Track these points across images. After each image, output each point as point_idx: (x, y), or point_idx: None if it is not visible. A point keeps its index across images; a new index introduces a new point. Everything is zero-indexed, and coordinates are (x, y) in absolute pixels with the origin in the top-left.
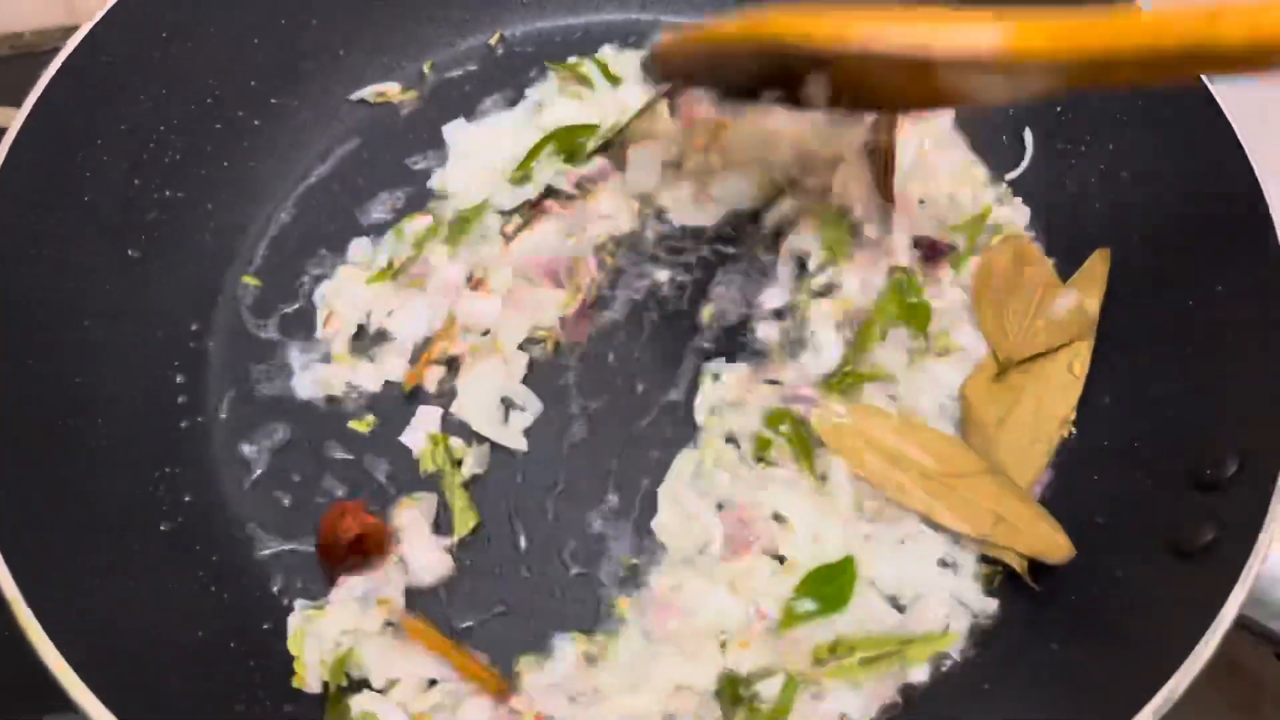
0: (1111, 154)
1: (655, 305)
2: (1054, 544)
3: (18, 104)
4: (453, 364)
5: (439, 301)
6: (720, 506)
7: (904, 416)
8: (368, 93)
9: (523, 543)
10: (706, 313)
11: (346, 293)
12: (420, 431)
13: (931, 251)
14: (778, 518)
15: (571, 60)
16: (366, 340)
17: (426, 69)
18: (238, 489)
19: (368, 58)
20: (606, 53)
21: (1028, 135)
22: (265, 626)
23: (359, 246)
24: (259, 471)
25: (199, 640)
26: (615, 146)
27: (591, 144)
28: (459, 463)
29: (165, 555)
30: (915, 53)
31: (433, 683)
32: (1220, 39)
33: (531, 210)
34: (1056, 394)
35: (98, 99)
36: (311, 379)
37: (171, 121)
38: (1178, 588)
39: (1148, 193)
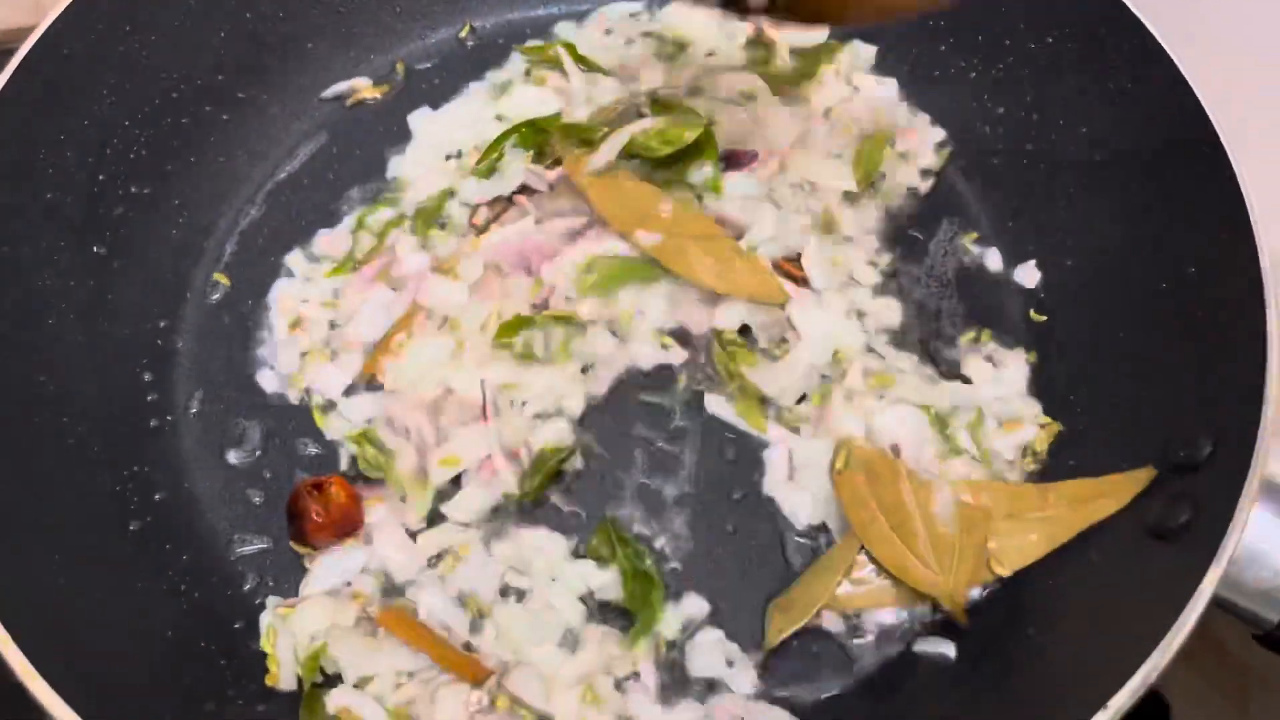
0: (1083, 136)
1: None
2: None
3: None
4: None
5: (401, 296)
6: None
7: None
8: (341, 89)
9: None
10: None
11: (305, 290)
12: (339, 425)
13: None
14: None
15: (539, 43)
16: (327, 337)
17: (399, 68)
18: (208, 487)
19: (335, 50)
20: (566, 30)
21: None
22: (237, 625)
23: (324, 239)
24: (230, 469)
25: (168, 640)
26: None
27: (561, 143)
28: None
29: (135, 555)
30: None
31: (410, 674)
32: None
33: (504, 204)
34: None
35: (59, 94)
36: (278, 377)
37: (136, 117)
38: (1154, 569)
39: (1120, 173)
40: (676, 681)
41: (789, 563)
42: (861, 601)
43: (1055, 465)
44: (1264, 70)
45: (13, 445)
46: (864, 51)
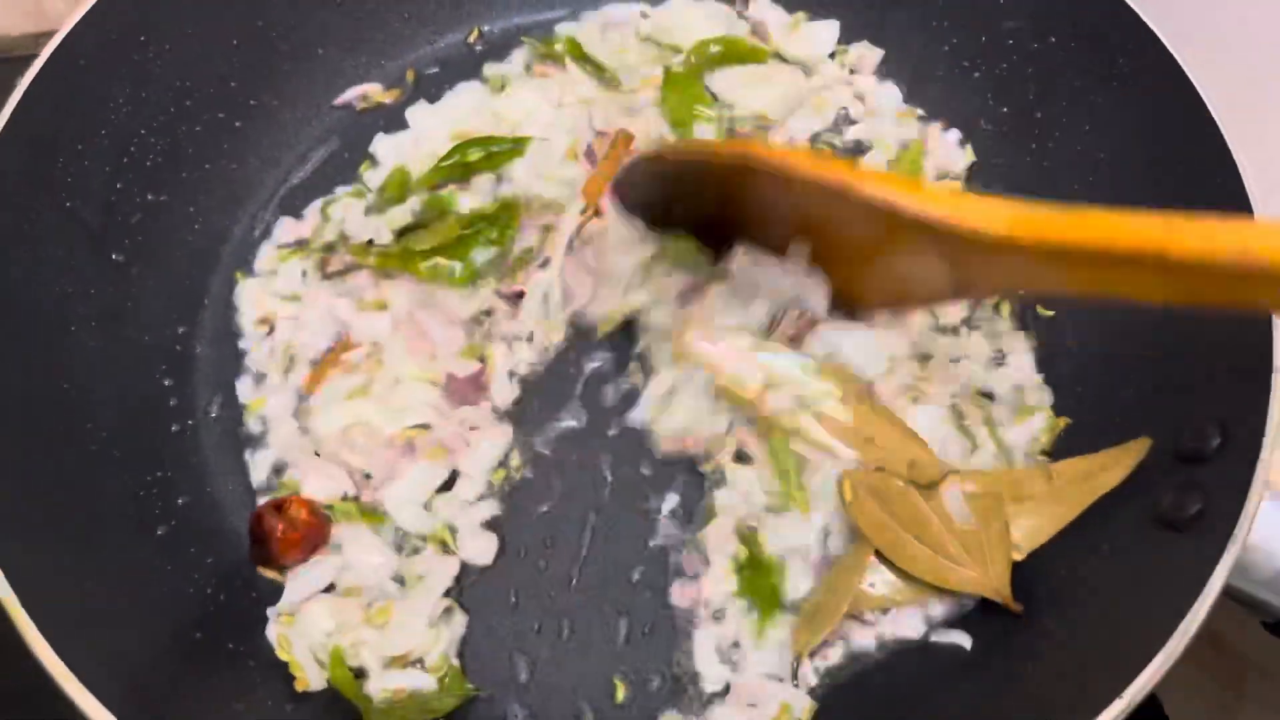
0: (1086, 135)
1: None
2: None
3: None
4: None
5: (345, 307)
6: None
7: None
8: (351, 96)
9: None
10: None
11: (268, 287)
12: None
13: None
14: None
15: (546, 37)
16: (288, 343)
17: (409, 75)
18: (230, 491)
19: (345, 56)
20: (569, 29)
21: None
22: (260, 628)
23: (287, 226)
24: (251, 472)
25: (197, 641)
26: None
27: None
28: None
29: (161, 558)
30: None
31: None
32: (1172, 247)
33: None
34: None
35: (75, 104)
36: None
37: (151, 125)
38: (1166, 559)
39: (1124, 171)
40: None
41: None
42: (881, 602)
43: (1063, 458)
44: (1268, 69)
45: (36, 451)
46: (870, 55)
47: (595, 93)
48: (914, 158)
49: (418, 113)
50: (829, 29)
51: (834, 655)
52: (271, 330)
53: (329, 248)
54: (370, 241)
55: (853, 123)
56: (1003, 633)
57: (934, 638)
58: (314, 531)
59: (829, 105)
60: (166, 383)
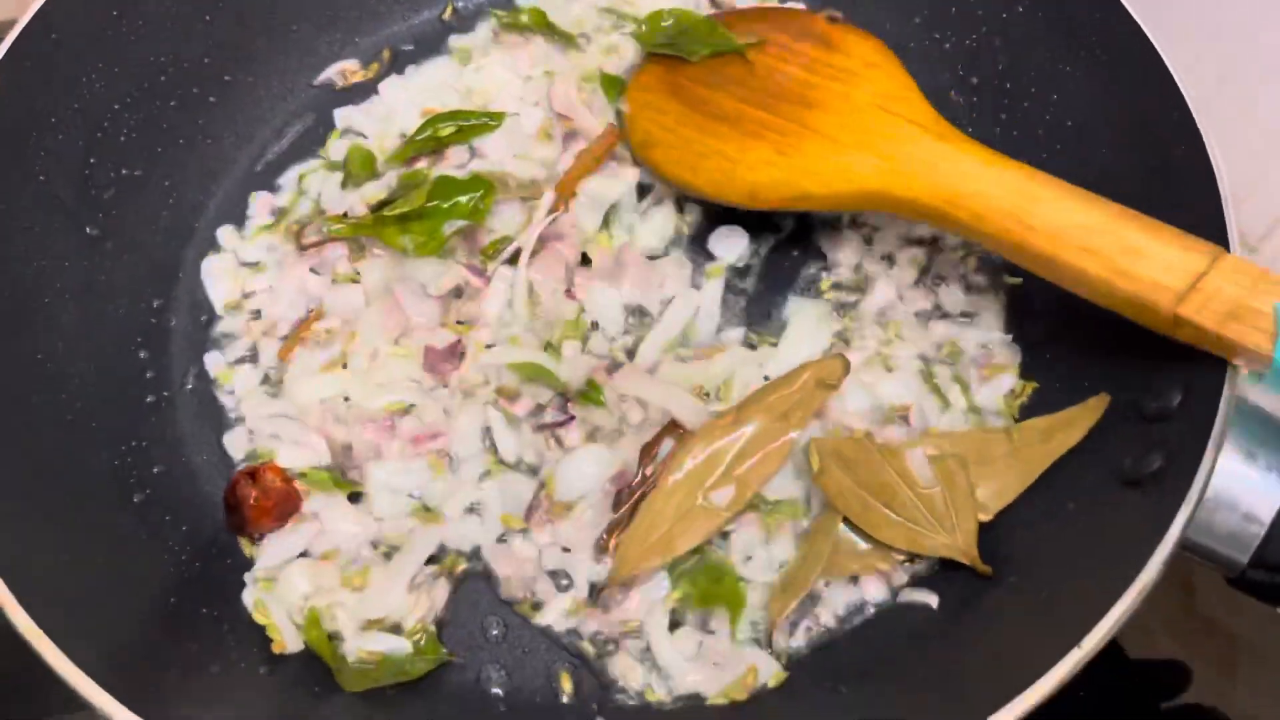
0: (1056, 104)
1: None
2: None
3: None
4: None
5: (318, 280)
6: None
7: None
8: (331, 74)
9: None
10: None
11: (230, 269)
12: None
13: None
14: None
15: (512, 9)
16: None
17: (385, 54)
18: (205, 460)
19: (320, 33)
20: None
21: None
22: (236, 593)
23: (260, 200)
24: (227, 441)
25: (172, 606)
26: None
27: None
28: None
29: (136, 526)
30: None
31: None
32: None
33: None
34: None
35: (48, 78)
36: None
37: (125, 99)
38: (1127, 515)
39: (1093, 139)
40: None
41: None
42: (851, 568)
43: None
44: (1236, 41)
45: (13, 424)
46: None
47: (559, 65)
48: None
49: (388, 86)
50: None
51: (803, 621)
52: (244, 303)
53: (304, 221)
54: (345, 215)
55: None
56: (970, 592)
57: (902, 597)
58: (287, 499)
59: None
60: (142, 355)
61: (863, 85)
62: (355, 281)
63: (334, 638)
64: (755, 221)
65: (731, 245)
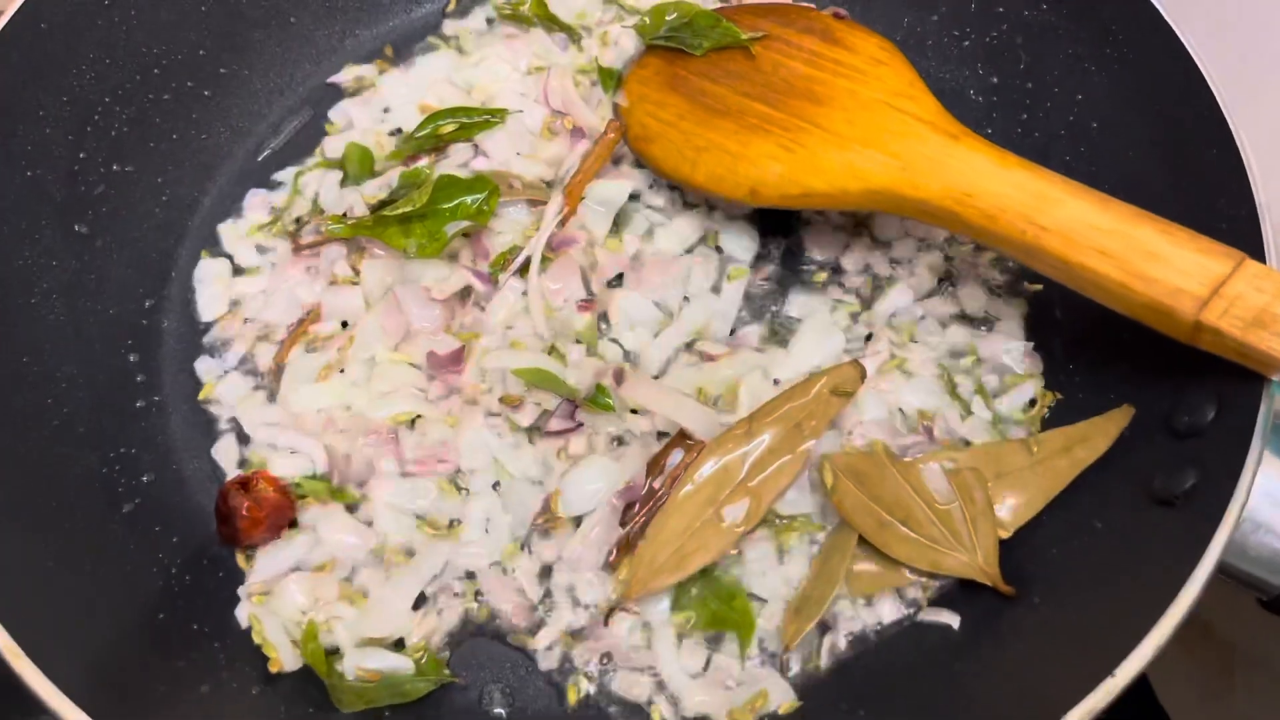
0: (1080, 104)
1: None
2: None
3: None
4: None
5: (315, 283)
6: None
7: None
8: (344, 78)
9: None
10: None
11: (224, 270)
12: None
13: None
14: None
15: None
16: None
17: (388, 50)
18: (197, 467)
19: (319, 25)
20: None
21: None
22: (227, 608)
23: (255, 199)
24: (218, 449)
25: (161, 622)
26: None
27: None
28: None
29: (124, 537)
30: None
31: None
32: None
33: None
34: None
35: (38, 70)
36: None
37: (116, 93)
38: (1159, 535)
39: (1118, 141)
40: None
41: None
42: (868, 587)
43: None
44: (1266, 37)
45: None
46: None
47: (559, 58)
48: None
49: (385, 81)
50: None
51: (817, 642)
52: (238, 306)
53: (301, 221)
54: (344, 215)
55: None
56: (991, 611)
57: (921, 617)
58: (281, 509)
59: None
60: (132, 358)
61: (870, 82)
62: (354, 284)
63: (331, 653)
64: (769, 223)
65: (745, 245)
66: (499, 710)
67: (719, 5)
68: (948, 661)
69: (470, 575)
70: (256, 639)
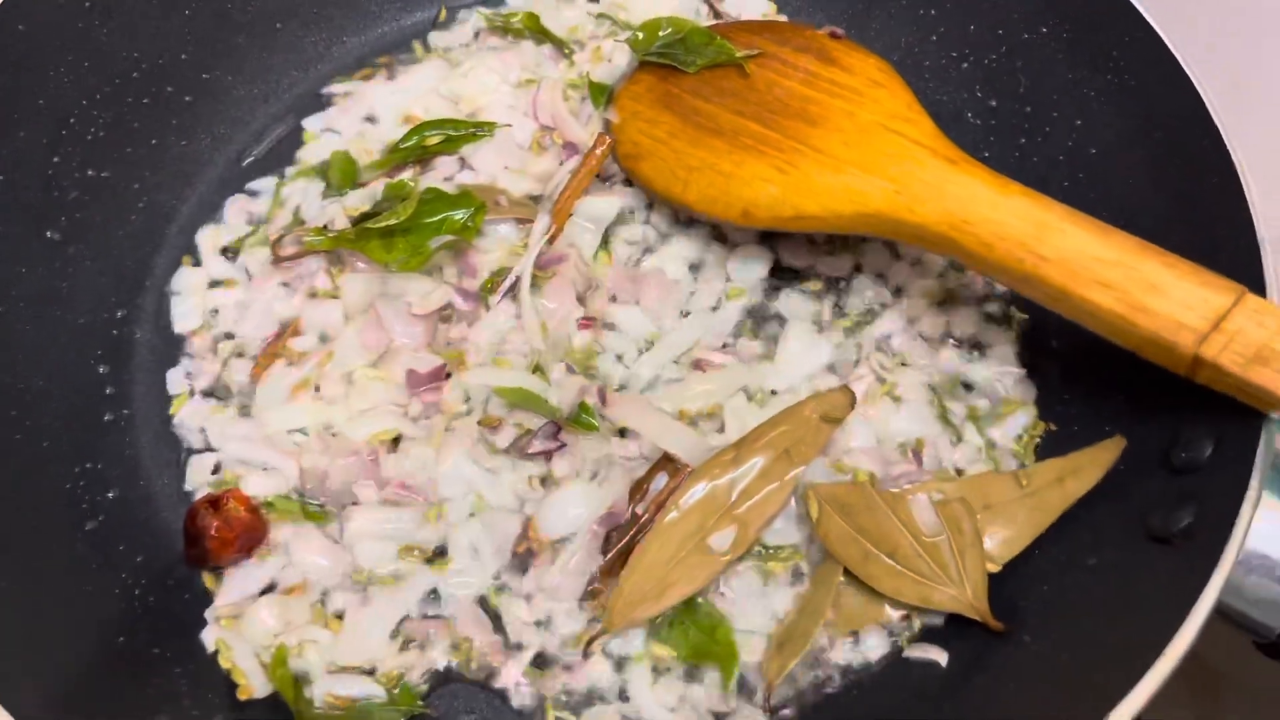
0: (1079, 129)
1: None
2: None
3: None
4: None
5: (294, 295)
6: None
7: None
8: (337, 90)
9: None
10: None
11: (195, 287)
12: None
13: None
14: None
15: (504, 10)
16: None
17: (381, 60)
18: (166, 485)
19: (306, 31)
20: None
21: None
22: (192, 632)
23: (234, 206)
24: (188, 466)
25: (119, 646)
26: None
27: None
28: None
29: (85, 556)
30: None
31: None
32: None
33: None
34: None
35: (13, 72)
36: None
37: (94, 96)
38: (1155, 574)
39: (1117, 168)
40: None
41: None
42: (854, 622)
43: None
44: (1265, 62)
45: None
46: None
47: (550, 71)
48: None
49: (370, 89)
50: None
51: (804, 679)
52: (213, 318)
53: (281, 232)
54: (325, 227)
55: None
56: (980, 648)
57: (908, 653)
58: (252, 530)
59: None
60: (102, 369)
61: (866, 104)
62: (334, 297)
63: (300, 679)
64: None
65: (751, 266)
66: None
67: (713, 22)
68: (935, 699)
69: (444, 604)
70: (224, 664)
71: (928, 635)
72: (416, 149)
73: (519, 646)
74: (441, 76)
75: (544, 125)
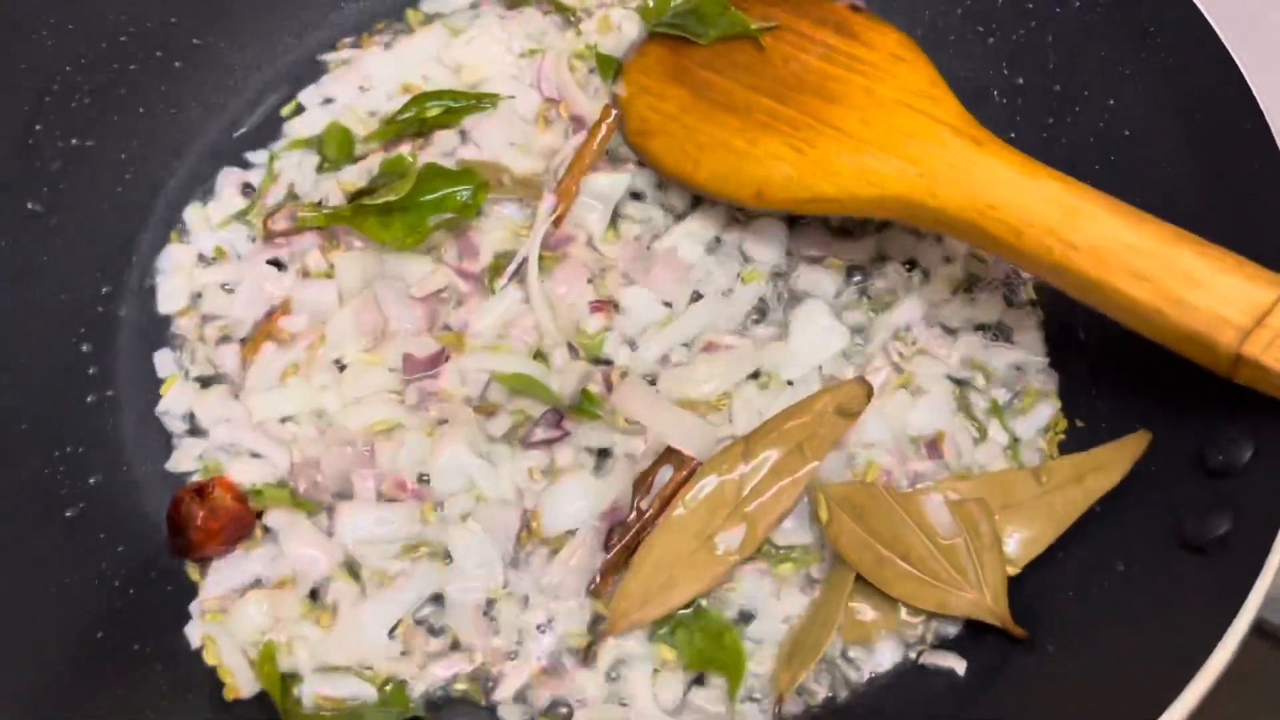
0: (1111, 109)
1: None
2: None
3: None
4: None
5: (285, 274)
6: None
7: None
8: (327, 53)
9: None
10: None
11: (183, 264)
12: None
13: None
14: None
15: None
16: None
17: (378, 26)
18: (150, 470)
19: None
20: None
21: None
22: (175, 627)
23: (228, 178)
24: (173, 451)
25: (98, 642)
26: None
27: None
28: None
29: (64, 544)
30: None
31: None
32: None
33: None
34: None
35: None
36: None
37: (79, 61)
38: (1189, 585)
39: (1152, 152)
40: None
41: None
42: (867, 631)
43: None
44: None
45: None
46: None
47: (555, 41)
48: None
49: (366, 56)
50: None
51: (813, 688)
52: (201, 297)
53: (274, 207)
54: (320, 203)
55: None
56: (1000, 657)
57: (924, 660)
58: (239, 520)
59: None
60: (84, 348)
61: (887, 80)
62: (328, 277)
63: (289, 678)
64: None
65: (770, 247)
66: None
67: None
68: (952, 710)
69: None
70: (210, 661)
71: (944, 643)
72: (415, 121)
73: (516, 653)
74: (442, 44)
75: (549, 98)
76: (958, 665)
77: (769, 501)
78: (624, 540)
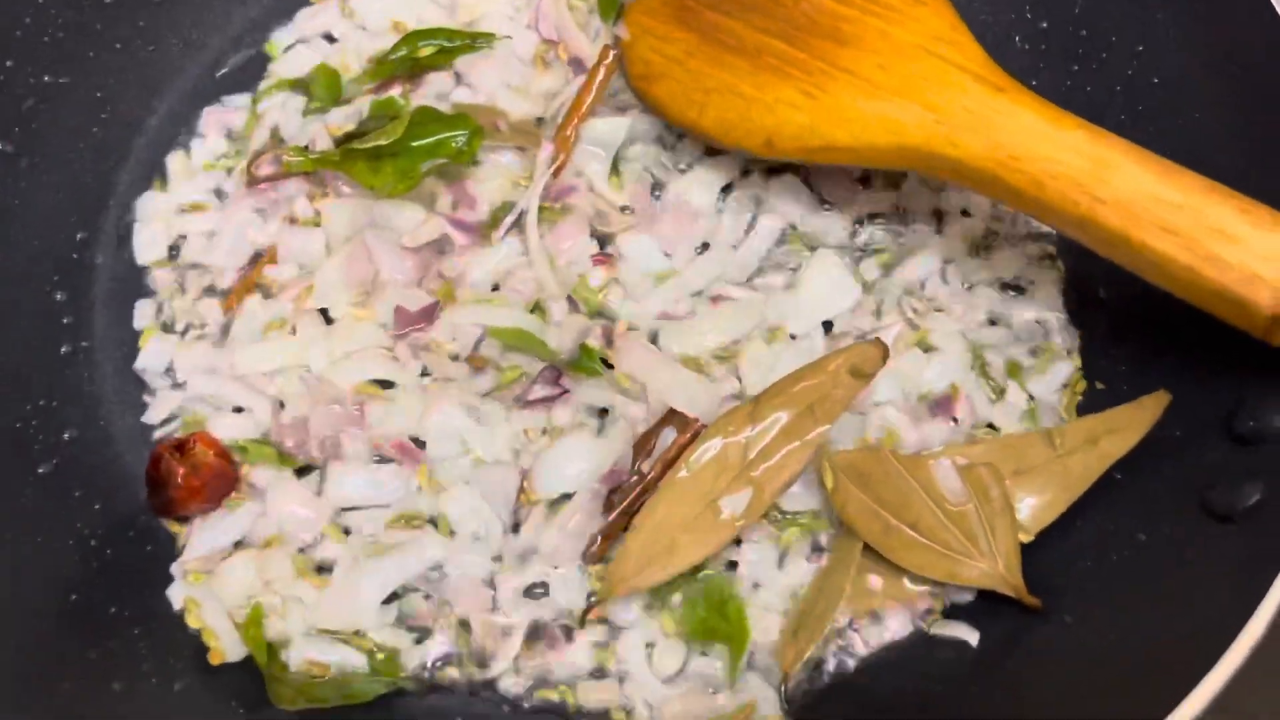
0: (1140, 56)
1: None
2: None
3: None
4: None
5: (270, 222)
6: None
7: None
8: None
9: None
10: None
11: (162, 210)
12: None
13: None
14: None
15: None
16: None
17: None
18: (128, 424)
19: None
20: None
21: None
22: (154, 588)
23: (211, 116)
24: (152, 405)
25: (72, 605)
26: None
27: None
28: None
29: (39, 502)
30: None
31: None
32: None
33: None
34: None
35: None
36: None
37: None
38: (1217, 556)
39: (1184, 101)
40: None
41: None
42: (875, 603)
43: None
44: None
45: None
46: None
47: None
48: None
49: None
50: None
51: (817, 660)
52: (181, 244)
53: (258, 151)
54: (306, 147)
55: None
56: (1015, 628)
57: (934, 631)
58: (221, 477)
59: None
60: (58, 296)
61: (905, 23)
62: (316, 225)
63: (277, 643)
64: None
65: (788, 198)
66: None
67: None
68: (964, 682)
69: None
70: (193, 624)
71: (956, 613)
72: (407, 61)
73: (510, 629)
74: None
75: (547, 39)
76: (970, 636)
77: (776, 465)
78: (624, 504)
